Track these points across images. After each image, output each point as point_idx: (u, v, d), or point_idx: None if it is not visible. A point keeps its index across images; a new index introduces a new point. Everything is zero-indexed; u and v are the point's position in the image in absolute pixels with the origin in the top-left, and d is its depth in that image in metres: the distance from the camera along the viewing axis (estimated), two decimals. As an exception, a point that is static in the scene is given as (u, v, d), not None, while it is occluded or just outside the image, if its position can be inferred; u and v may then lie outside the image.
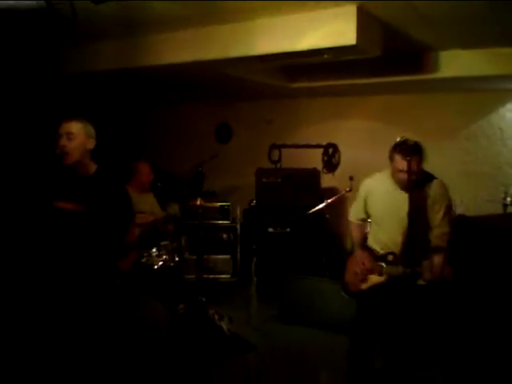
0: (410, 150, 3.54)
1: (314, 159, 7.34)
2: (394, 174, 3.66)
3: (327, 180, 7.27)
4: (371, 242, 3.95)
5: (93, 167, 3.44)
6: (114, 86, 7.19)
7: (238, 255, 6.94)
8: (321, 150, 7.45)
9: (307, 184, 6.71)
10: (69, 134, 3.30)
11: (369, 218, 4.03)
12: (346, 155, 7.35)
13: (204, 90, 7.36)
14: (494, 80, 5.88)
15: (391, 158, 3.65)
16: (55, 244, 3.30)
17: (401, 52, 5.59)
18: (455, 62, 5.63)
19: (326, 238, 6.69)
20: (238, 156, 8.10)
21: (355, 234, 4.13)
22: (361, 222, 4.12)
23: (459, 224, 3.45)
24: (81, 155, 3.35)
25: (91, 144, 3.40)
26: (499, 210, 5.97)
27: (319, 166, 7.28)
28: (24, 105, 6.44)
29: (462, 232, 3.43)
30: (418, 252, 3.54)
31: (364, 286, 3.83)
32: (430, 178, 3.69)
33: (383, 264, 3.75)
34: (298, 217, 6.46)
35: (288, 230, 6.62)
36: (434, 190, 3.63)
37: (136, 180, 5.55)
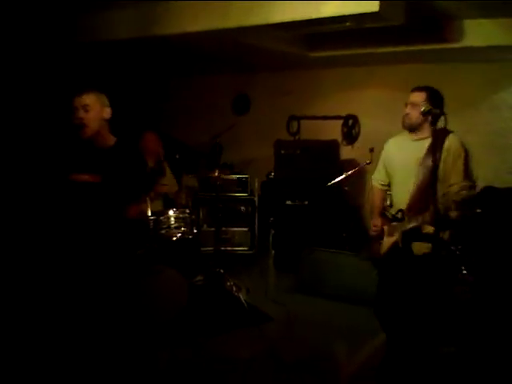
0: (417, 86, 3.65)
1: (333, 131, 7.25)
2: None
3: (346, 152, 7.19)
4: (391, 209, 3.86)
5: (112, 139, 3.43)
6: (131, 56, 7.14)
7: (256, 228, 6.93)
8: (340, 122, 7.35)
9: (326, 156, 6.64)
10: (85, 106, 3.30)
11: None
12: (366, 127, 7.24)
13: (222, 61, 7.28)
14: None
15: None
16: (75, 216, 3.31)
17: (424, 20, 5.46)
18: (479, 32, 5.50)
19: (345, 211, 6.65)
20: (255, 128, 8.02)
21: (375, 200, 4.06)
22: (383, 188, 4.01)
23: (487, 194, 3.34)
24: (99, 126, 3.35)
25: (107, 113, 3.39)
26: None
27: (339, 137, 7.19)
28: (40, 74, 6.42)
29: (491, 202, 3.32)
30: (426, 205, 3.38)
31: (382, 251, 3.79)
32: (444, 131, 3.53)
33: (395, 223, 3.67)
34: (317, 189, 6.41)
35: (306, 202, 6.58)
36: (448, 143, 3.49)
37: (143, 150, 5.57)
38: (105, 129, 3.40)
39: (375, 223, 3.85)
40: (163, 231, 4.99)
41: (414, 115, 3.60)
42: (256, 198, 6.93)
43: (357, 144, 7.34)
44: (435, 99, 3.56)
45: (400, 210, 3.64)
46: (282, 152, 6.70)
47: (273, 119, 7.87)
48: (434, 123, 3.35)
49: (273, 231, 6.87)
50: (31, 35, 5.78)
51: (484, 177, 5.75)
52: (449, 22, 5.56)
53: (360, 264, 5.34)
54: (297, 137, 7.39)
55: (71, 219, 3.32)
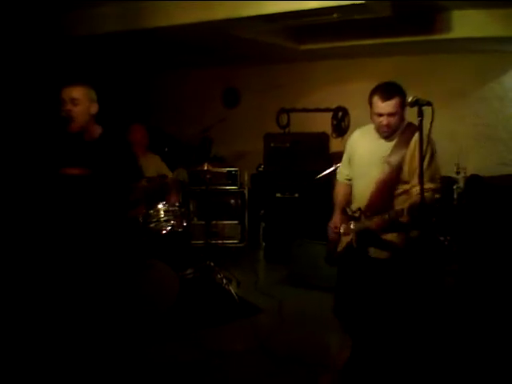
0: (389, 90, 3.26)
1: (323, 123, 7.24)
2: (373, 119, 3.36)
3: (336, 144, 7.17)
4: (352, 204, 3.58)
5: (98, 131, 3.43)
6: (120, 50, 7.08)
7: (246, 221, 6.94)
8: (330, 114, 7.35)
9: (316, 149, 6.64)
10: (73, 100, 3.30)
11: None
12: (356, 119, 7.22)
13: (211, 54, 7.24)
14: (506, 41, 5.76)
15: (370, 103, 3.36)
16: (66, 209, 3.31)
17: (412, 12, 5.45)
18: (467, 23, 5.49)
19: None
20: (245, 121, 8.00)
21: (338, 195, 3.73)
22: (348, 183, 3.69)
23: (472, 183, 3.30)
24: (85, 121, 3.34)
25: (94, 108, 3.40)
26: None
27: (328, 130, 7.19)
28: (29, 68, 6.36)
29: (475, 191, 3.29)
30: (383, 205, 3.22)
31: (339, 249, 3.56)
32: (413, 128, 3.25)
33: (352, 222, 3.42)
34: (307, 182, 6.42)
35: (296, 195, 6.59)
36: (414, 141, 3.19)
37: (132, 142, 5.57)
38: (91, 123, 3.41)
39: (335, 224, 3.58)
40: (153, 225, 4.97)
41: (395, 123, 3.28)
42: (246, 191, 6.94)
43: (346, 136, 7.32)
44: (404, 99, 3.21)
45: (359, 209, 3.40)
46: (272, 145, 6.71)
47: (263, 112, 7.85)
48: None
49: (263, 224, 6.89)
50: (19, 29, 5.73)
51: (474, 168, 5.79)
52: (437, 13, 5.55)
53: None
54: (287, 130, 7.38)
55: (62, 213, 3.32)
